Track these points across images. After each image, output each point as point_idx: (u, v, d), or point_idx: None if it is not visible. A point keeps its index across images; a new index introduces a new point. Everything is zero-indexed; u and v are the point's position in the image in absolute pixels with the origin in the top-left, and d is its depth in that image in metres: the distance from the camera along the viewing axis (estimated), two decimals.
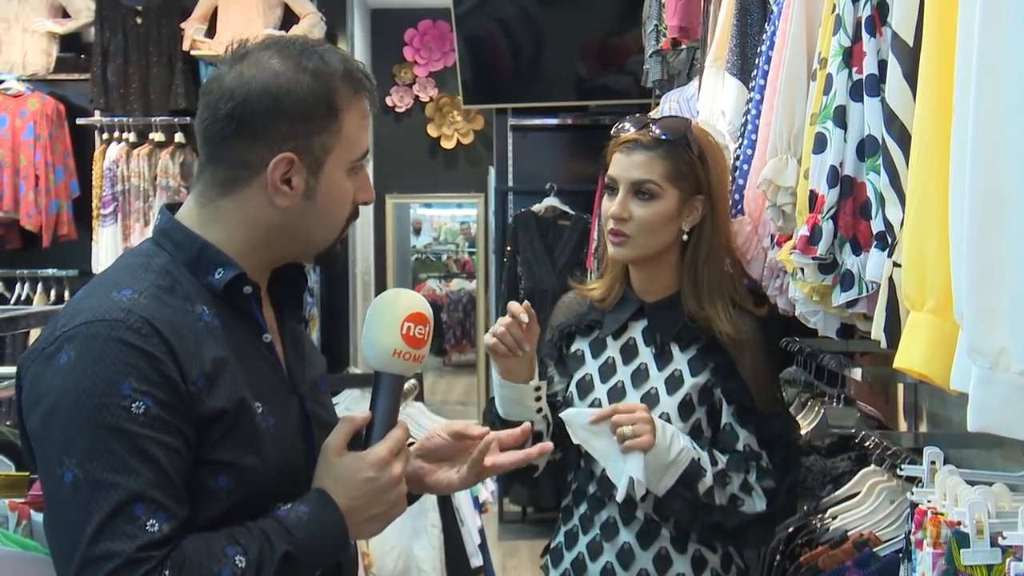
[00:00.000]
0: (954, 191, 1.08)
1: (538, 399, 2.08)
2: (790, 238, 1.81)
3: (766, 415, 2.10)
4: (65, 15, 6.13)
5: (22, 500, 1.74)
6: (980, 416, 1.03)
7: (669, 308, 2.13)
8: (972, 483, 1.53)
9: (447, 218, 14.12)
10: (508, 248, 6.20)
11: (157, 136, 5.92)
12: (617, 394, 2.11)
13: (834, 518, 2.21)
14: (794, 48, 1.89)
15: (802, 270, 1.73)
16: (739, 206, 2.17)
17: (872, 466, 2.23)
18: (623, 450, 1.97)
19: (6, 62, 6.06)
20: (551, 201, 6.19)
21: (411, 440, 1.54)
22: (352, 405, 3.44)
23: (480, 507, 3.79)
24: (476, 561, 3.54)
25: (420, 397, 3.69)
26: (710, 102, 2.56)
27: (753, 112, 2.12)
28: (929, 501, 1.58)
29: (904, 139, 1.39)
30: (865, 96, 1.58)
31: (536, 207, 6.19)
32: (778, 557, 2.27)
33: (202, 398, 1.32)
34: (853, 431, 2.48)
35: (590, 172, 5.71)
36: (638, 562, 2.08)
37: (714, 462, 2.05)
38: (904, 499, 1.98)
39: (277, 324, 1.52)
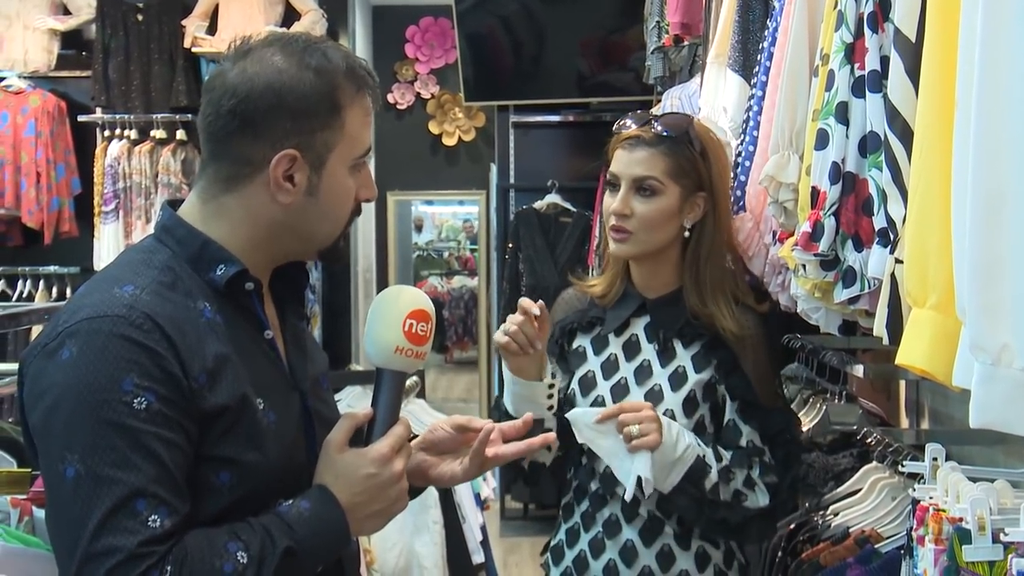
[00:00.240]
0: (956, 187, 1.08)
1: (550, 396, 2.07)
2: (792, 234, 1.81)
3: (768, 411, 2.10)
4: (66, 12, 6.14)
5: (24, 496, 1.74)
6: (982, 412, 1.03)
7: (671, 304, 2.13)
8: (974, 479, 1.53)
9: (449, 215, 14.13)
10: (510, 245, 6.20)
11: (158, 133, 5.93)
12: (620, 391, 2.11)
13: (836, 515, 2.21)
14: (796, 44, 1.89)
15: (804, 266, 1.73)
16: (741, 202, 2.17)
17: (874, 463, 2.23)
18: (630, 449, 1.97)
19: (7, 59, 6.06)
20: (553, 198, 6.18)
21: (413, 435, 1.54)
22: (354, 402, 3.44)
23: (482, 504, 3.79)
24: (478, 558, 3.54)
25: (422, 394, 3.68)
26: (712, 99, 2.55)
27: (755, 108, 2.12)
28: (931, 497, 1.58)
29: (906, 135, 1.39)
30: (867, 92, 1.58)
31: (538, 204, 6.19)
32: (780, 553, 2.27)
33: (204, 394, 1.32)
34: (855, 428, 2.47)
35: (592, 169, 5.72)
36: (641, 559, 2.08)
37: (718, 458, 2.05)
38: (906, 496, 1.98)
39: (279, 321, 1.52)
